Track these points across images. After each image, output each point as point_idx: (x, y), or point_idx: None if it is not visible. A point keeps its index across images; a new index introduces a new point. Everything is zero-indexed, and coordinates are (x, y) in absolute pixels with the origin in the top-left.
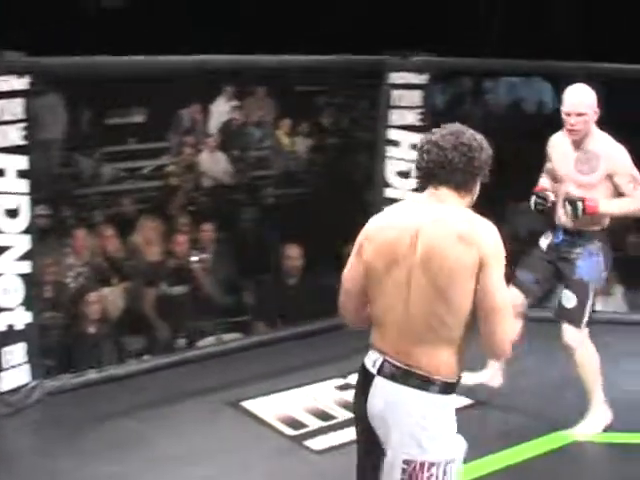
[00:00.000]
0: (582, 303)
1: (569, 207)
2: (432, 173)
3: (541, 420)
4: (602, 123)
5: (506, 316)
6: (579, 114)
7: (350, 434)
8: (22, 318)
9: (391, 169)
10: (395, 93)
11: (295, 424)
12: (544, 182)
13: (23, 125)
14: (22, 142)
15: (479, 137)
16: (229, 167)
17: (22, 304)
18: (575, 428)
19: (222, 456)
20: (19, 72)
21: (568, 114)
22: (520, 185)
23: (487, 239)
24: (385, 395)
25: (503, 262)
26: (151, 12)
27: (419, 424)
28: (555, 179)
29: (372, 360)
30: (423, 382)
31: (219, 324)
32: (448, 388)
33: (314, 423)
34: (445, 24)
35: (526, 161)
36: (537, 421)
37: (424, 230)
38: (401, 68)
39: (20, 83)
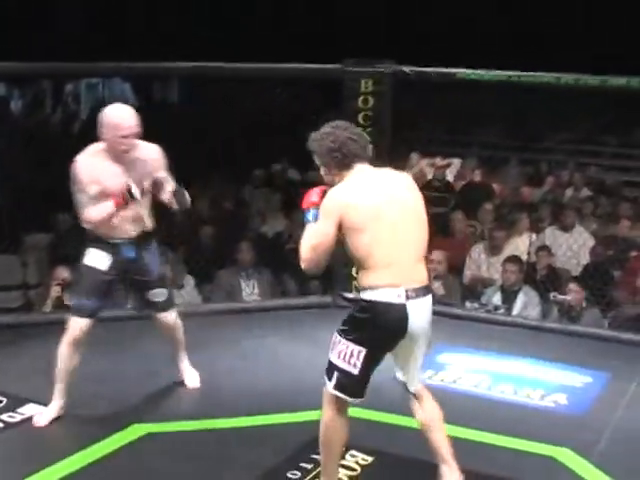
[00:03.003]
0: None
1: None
2: (357, 154)
3: (115, 416)
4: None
5: None
6: (135, 134)
7: None
8: None
9: None
10: None
11: None
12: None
13: None
14: None
15: None
16: None
17: None
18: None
19: None
20: None
21: (126, 136)
22: None
23: None
24: (420, 310)
25: None
26: None
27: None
28: (104, 197)
29: (392, 295)
30: (429, 288)
31: None
32: None
33: None
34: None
35: None
36: (111, 418)
37: (391, 189)
38: None
39: None
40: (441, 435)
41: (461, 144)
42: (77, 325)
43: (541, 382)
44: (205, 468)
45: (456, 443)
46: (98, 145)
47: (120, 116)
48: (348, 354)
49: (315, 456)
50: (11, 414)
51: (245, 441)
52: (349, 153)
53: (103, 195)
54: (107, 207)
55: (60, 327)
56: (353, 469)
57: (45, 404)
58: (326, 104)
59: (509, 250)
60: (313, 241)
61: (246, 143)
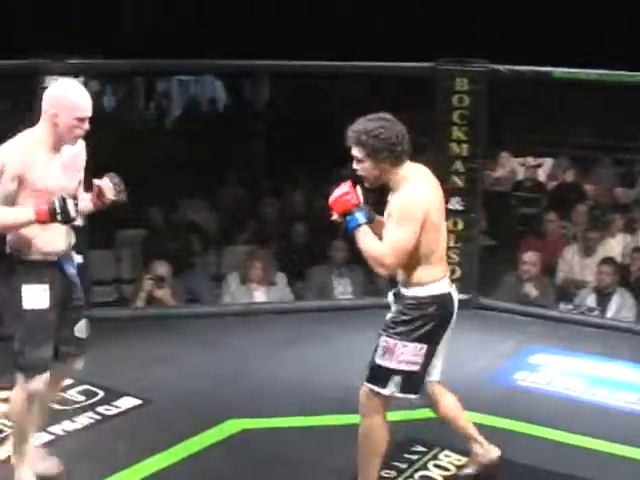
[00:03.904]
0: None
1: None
2: (409, 149)
3: (211, 412)
4: None
5: None
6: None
7: None
8: None
9: None
10: None
11: None
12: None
13: None
14: None
15: None
16: None
17: None
18: None
19: None
20: None
21: (84, 119)
22: (197, 182)
23: None
24: (455, 295)
25: None
26: None
27: None
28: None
29: (444, 285)
30: None
31: None
32: None
33: None
34: (108, 25)
35: (200, 158)
36: (206, 413)
37: (437, 187)
38: (56, 71)
39: None
40: (465, 421)
41: (553, 144)
42: (38, 383)
43: (637, 386)
44: (299, 465)
45: (550, 446)
46: (35, 131)
47: (78, 95)
48: (409, 355)
49: (408, 456)
50: (107, 407)
51: (339, 439)
52: (407, 148)
53: (26, 193)
54: (23, 214)
55: (152, 322)
56: (447, 469)
57: (140, 397)
58: (410, 103)
59: (602, 251)
60: (398, 245)
61: (337, 141)
